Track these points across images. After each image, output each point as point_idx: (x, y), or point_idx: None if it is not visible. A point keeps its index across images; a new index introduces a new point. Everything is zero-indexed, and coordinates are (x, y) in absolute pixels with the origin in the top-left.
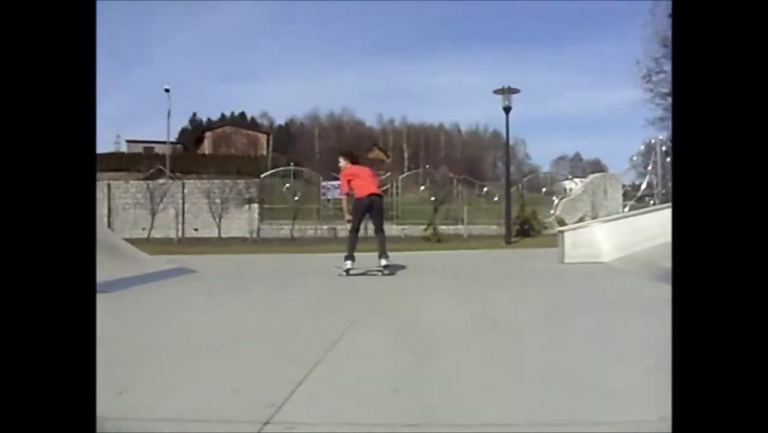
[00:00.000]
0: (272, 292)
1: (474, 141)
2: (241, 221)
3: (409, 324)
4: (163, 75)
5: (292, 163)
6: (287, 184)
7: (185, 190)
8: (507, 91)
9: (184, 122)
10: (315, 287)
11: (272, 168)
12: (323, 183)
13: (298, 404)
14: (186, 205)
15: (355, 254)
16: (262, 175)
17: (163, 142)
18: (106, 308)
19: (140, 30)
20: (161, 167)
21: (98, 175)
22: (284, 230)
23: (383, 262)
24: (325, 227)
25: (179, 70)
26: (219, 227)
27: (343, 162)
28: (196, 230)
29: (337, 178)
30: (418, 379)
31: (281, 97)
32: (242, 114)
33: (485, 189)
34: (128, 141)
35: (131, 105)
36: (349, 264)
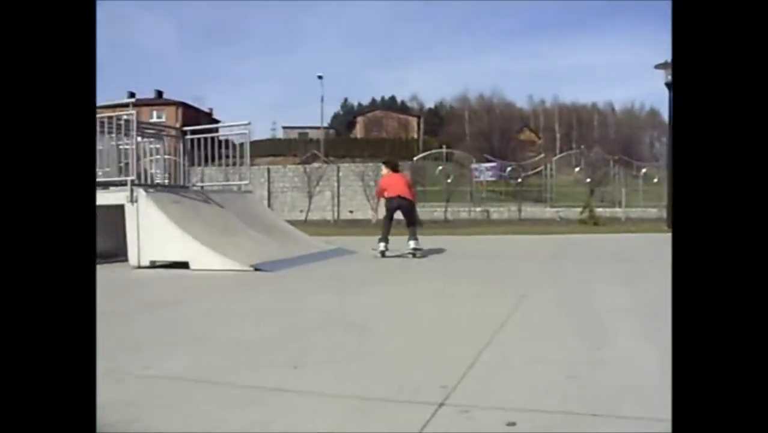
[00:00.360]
0: (432, 273)
1: (629, 120)
2: None
3: (577, 310)
4: (316, 63)
5: (444, 146)
6: (440, 167)
7: (340, 174)
8: (670, 66)
9: (336, 108)
10: (476, 268)
11: (423, 151)
12: (474, 165)
13: (470, 386)
14: (341, 188)
15: (390, 237)
16: (414, 158)
17: (317, 128)
18: (277, 285)
19: (293, 21)
20: (316, 152)
21: (257, 160)
22: (437, 212)
23: (412, 244)
24: (478, 209)
25: (331, 58)
26: (374, 209)
27: (384, 170)
28: (351, 212)
29: (489, 160)
30: (591, 365)
31: (431, 80)
32: (392, 98)
33: (643, 170)
34: (284, 127)
35: (286, 93)
36: (382, 246)
